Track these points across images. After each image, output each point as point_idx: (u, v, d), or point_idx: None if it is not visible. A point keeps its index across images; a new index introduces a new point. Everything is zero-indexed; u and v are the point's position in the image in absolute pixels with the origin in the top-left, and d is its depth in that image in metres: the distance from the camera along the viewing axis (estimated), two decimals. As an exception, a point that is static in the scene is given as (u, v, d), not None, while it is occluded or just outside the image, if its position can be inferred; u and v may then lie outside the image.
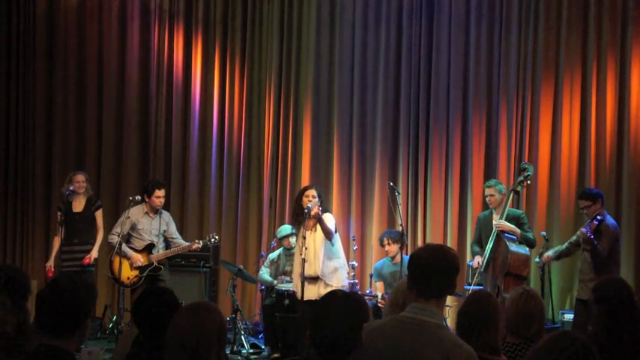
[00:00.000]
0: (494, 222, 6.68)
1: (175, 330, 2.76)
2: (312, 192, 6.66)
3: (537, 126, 8.18)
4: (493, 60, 8.39)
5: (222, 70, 9.24)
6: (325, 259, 6.62)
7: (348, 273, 7.95)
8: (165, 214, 7.63)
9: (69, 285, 2.70)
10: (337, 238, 6.80)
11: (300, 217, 6.64)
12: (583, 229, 6.37)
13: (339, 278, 6.69)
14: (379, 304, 7.08)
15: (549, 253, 6.87)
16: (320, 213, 6.54)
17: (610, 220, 6.46)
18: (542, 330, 3.66)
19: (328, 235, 6.57)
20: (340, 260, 6.76)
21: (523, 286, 3.95)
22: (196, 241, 7.55)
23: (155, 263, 7.36)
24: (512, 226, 6.61)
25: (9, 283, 3.69)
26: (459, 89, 8.47)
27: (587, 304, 6.17)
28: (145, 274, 7.33)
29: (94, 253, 7.60)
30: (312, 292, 6.50)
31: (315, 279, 6.58)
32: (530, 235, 6.70)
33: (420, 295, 2.70)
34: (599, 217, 6.30)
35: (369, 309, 2.73)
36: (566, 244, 6.80)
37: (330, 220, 6.67)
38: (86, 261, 7.50)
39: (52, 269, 7.52)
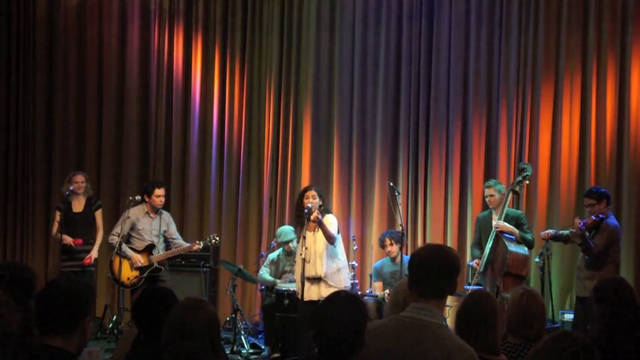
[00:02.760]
0: (493, 223, 6.69)
1: (167, 331, 2.77)
2: (312, 193, 6.63)
3: (537, 126, 8.18)
4: (493, 60, 8.39)
5: (222, 70, 9.24)
6: (328, 260, 6.61)
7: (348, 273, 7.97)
8: (166, 215, 7.63)
9: (65, 284, 2.72)
10: (339, 239, 6.78)
11: (300, 219, 6.63)
12: (577, 220, 6.38)
13: (342, 279, 6.67)
14: (387, 299, 7.06)
15: (550, 231, 6.82)
16: (320, 217, 6.50)
17: (613, 220, 6.44)
18: (543, 330, 3.66)
19: (330, 239, 6.55)
20: (342, 261, 6.75)
21: (523, 286, 3.95)
22: (197, 242, 7.55)
23: (156, 264, 7.36)
24: (511, 226, 6.61)
25: (12, 282, 3.68)
26: (459, 89, 8.47)
27: (584, 301, 6.19)
28: (145, 274, 7.33)
29: (94, 253, 7.61)
30: (314, 293, 6.49)
31: (317, 279, 6.57)
32: (529, 235, 6.70)
33: (421, 295, 2.71)
34: (600, 216, 6.30)
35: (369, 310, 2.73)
36: (567, 231, 6.71)
37: (332, 222, 6.63)
38: (86, 261, 7.51)
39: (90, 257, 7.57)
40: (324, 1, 8.88)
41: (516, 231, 6.60)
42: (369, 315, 2.69)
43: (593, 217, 6.31)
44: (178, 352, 2.70)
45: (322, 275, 6.55)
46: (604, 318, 3.72)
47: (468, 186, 8.39)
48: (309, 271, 6.50)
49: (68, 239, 7.46)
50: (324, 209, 6.66)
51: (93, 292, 2.86)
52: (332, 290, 6.28)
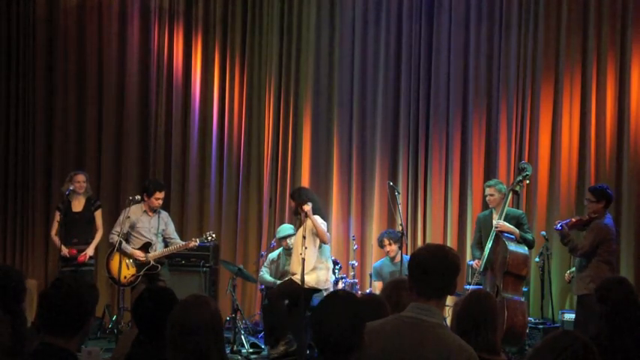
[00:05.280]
0: (493, 222, 6.69)
1: (170, 328, 2.77)
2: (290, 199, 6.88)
3: (537, 126, 8.19)
4: (493, 60, 8.39)
5: (222, 70, 9.24)
6: (307, 259, 6.67)
7: (348, 273, 7.98)
8: (164, 214, 7.61)
9: (73, 285, 2.71)
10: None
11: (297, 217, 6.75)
12: (556, 222, 6.55)
13: (318, 280, 6.72)
14: None
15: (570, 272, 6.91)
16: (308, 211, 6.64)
17: (606, 220, 6.41)
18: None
19: (323, 236, 6.65)
20: (317, 261, 6.79)
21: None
22: (193, 239, 7.52)
23: (152, 262, 7.35)
24: (511, 226, 6.61)
25: (1, 290, 3.60)
26: (459, 89, 8.48)
27: (581, 299, 6.31)
28: (141, 272, 7.32)
29: (90, 252, 7.58)
30: None
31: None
32: (529, 235, 6.71)
33: (421, 294, 2.71)
34: (579, 217, 6.46)
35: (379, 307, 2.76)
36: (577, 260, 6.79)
37: (322, 222, 6.79)
38: (81, 259, 7.49)
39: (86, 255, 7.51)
40: (324, 1, 8.89)
41: (516, 231, 6.61)
42: (378, 313, 2.70)
43: (578, 217, 6.46)
44: (182, 349, 2.71)
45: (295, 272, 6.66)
46: (605, 318, 3.72)
47: (468, 186, 8.39)
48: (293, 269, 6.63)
49: (64, 250, 7.46)
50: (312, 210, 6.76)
51: (97, 293, 2.85)
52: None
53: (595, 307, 3.81)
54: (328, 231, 6.98)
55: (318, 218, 6.73)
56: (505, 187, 6.95)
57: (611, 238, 6.35)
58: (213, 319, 2.78)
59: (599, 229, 6.29)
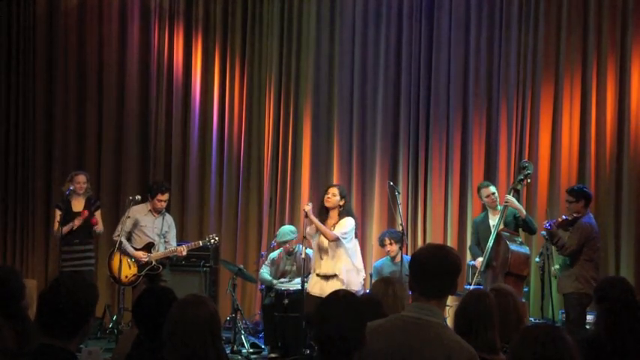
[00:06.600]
0: (490, 222, 6.76)
1: (168, 327, 2.77)
2: (334, 190, 6.56)
3: (537, 126, 8.20)
4: (493, 60, 8.40)
5: (222, 70, 9.25)
6: (339, 259, 6.54)
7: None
8: (169, 218, 7.60)
9: (72, 286, 2.69)
10: (354, 243, 6.64)
11: (321, 215, 6.59)
12: (544, 222, 6.62)
13: (352, 281, 6.59)
14: None
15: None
16: (308, 211, 6.51)
17: (588, 219, 6.45)
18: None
19: (325, 236, 6.51)
20: (350, 263, 6.66)
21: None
22: (186, 245, 7.48)
23: (154, 262, 7.35)
24: (519, 205, 6.72)
25: (1, 291, 3.55)
26: (459, 89, 8.48)
27: (565, 297, 6.48)
28: (143, 272, 7.32)
29: (100, 226, 7.64)
30: (329, 290, 6.49)
31: (330, 277, 6.50)
32: (532, 221, 6.86)
33: (422, 294, 2.71)
34: (565, 217, 6.53)
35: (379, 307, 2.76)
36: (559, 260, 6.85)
37: (342, 224, 6.49)
38: (93, 221, 7.50)
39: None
40: (324, 1, 8.89)
41: (523, 211, 6.72)
42: (376, 312, 2.71)
43: (564, 217, 6.53)
44: (179, 348, 2.71)
45: (337, 273, 6.48)
46: (604, 317, 3.72)
47: (468, 186, 8.39)
48: (326, 269, 6.49)
49: (72, 223, 7.42)
50: (344, 210, 6.55)
51: (97, 293, 2.83)
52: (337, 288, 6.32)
53: (577, 306, 3.82)
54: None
55: (345, 219, 6.52)
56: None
57: (595, 236, 6.43)
58: (211, 318, 2.79)
59: (584, 229, 6.37)
